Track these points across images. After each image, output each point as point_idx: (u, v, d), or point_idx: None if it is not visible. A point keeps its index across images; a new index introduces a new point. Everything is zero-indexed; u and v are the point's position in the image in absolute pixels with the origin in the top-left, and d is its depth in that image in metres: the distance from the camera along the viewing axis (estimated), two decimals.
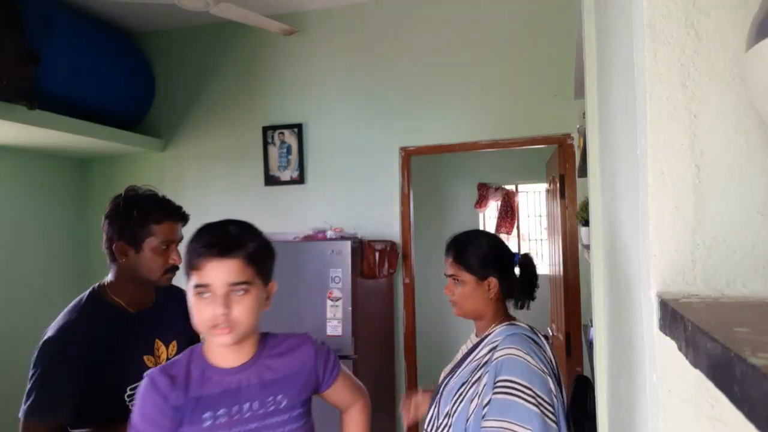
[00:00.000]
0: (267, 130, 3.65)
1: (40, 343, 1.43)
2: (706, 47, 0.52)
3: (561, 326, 3.29)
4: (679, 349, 0.43)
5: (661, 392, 0.51)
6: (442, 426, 1.45)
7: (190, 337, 1.71)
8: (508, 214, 5.50)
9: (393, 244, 3.28)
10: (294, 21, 3.55)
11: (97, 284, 1.60)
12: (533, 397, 1.31)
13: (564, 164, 3.21)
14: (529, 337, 1.46)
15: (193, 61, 3.90)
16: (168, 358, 1.63)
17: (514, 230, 5.58)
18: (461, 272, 1.55)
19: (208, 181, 3.78)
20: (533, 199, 5.80)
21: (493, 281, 1.53)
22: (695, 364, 0.38)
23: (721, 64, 0.52)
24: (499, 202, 5.52)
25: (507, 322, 1.53)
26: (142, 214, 1.52)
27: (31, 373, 1.42)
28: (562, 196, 3.23)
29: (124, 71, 3.71)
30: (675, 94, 0.53)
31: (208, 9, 2.74)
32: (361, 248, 3.01)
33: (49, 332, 1.45)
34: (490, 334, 1.51)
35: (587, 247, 2.14)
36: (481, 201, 5.41)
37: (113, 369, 1.49)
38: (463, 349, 1.62)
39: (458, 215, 5.48)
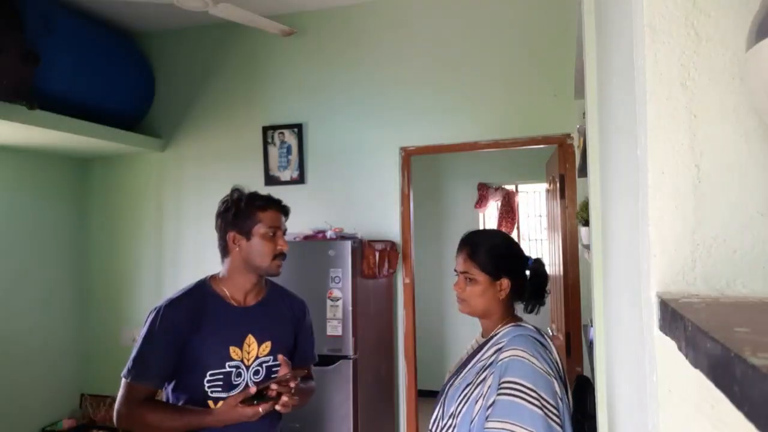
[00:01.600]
0: (267, 130, 3.65)
1: (152, 309, 1.63)
2: (706, 47, 0.52)
3: (561, 326, 3.29)
4: (679, 349, 0.43)
5: (661, 392, 0.51)
6: (446, 426, 1.45)
7: (288, 344, 1.80)
8: (508, 214, 5.49)
9: (393, 244, 3.27)
10: (293, 21, 3.55)
11: (208, 276, 1.76)
12: (537, 400, 1.31)
13: (564, 164, 3.21)
14: (536, 339, 1.45)
15: (193, 61, 3.90)
16: (257, 357, 1.67)
17: (514, 230, 5.57)
18: (475, 270, 1.52)
19: (208, 181, 3.78)
20: (533, 199, 5.80)
21: (505, 282, 1.51)
22: (695, 364, 0.38)
23: (721, 64, 0.52)
24: (499, 202, 5.52)
25: (513, 323, 1.52)
26: (248, 204, 1.71)
27: (140, 335, 1.61)
28: (562, 196, 3.23)
29: (124, 71, 3.71)
30: (675, 94, 0.53)
31: (207, 9, 2.74)
32: (361, 248, 3.01)
33: (160, 302, 1.65)
34: (496, 334, 1.51)
35: (587, 247, 2.14)
36: (481, 201, 5.41)
37: (200, 351, 1.60)
38: (469, 350, 1.62)
39: (458, 215, 5.48)
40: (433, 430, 1.51)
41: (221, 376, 1.61)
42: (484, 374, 1.42)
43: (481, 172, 5.45)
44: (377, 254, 3.04)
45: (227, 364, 1.62)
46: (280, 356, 1.67)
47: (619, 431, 1.03)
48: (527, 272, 1.58)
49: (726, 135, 0.52)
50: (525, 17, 3.27)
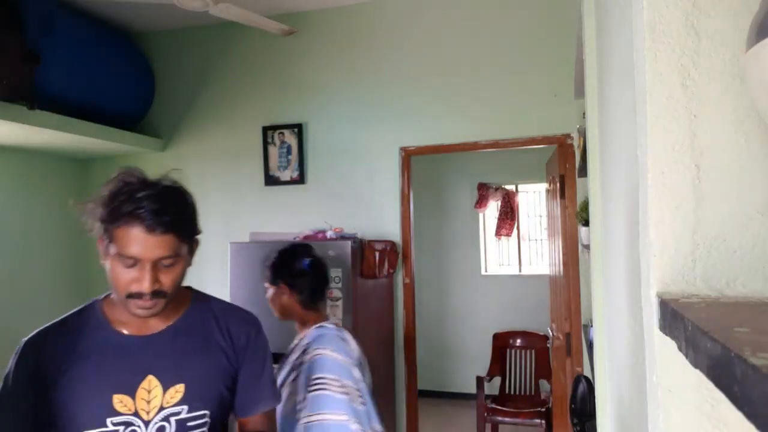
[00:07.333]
0: (267, 130, 3.65)
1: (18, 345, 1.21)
2: (706, 47, 0.52)
3: (561, 326, 3.29)
4: (679, 349, 0.43)
5: (661, 392, 0.51)
6: None
7: (215, 388, 1.21)
8: (508, 214, 5.49)
9: (393, 244, 3.27)
10: (294, 21, 3.55)
11: (101, 296, 1.29)
12: (341, 387, 1.54)
13: (564, 164, 3.21)
14: (337, 335, 1.70)
15: (193, 61, 3.90)
16: (162, 408, 1.14)
17: (514, 230, 5.57)
18: (265, 282, 1.80)
19: (208, 181, 3.77)
20: (533, 199, 5.79)
21: (283, 287, 1.75)
22: (695, 364, 0.38)
23: (721, 64, 0.52)
24: (499, 203, 5.51)
25: (317, 326, 1.73)
26: (117, 205, 1.28)
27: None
28: (562, 196, 3.23)
29: (124, 71, 3.71)
30: (675, 94, 0.53)
31: (207, 9, 2.74)
32: (361, 248, 3.01)
33: (29, 335, 1.21)
34: (303, 338, 1.72)
35: (587, 247, 2.14)
36: (481, 201, 5.41)
37: (68, 402, 1.11)
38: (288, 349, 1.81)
39: (458, 215, 5.48)
40: None
41: None
42: (294, 374, 1.62)
43: (481, 172, 5.45)
44: (377, 254, 3.04)
45: (109, 420, 1.10)
46: None
47: (619, 431, 1.03)
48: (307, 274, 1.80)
49: (726, 135, 0.52)
50: (525, 17, 3.27)
